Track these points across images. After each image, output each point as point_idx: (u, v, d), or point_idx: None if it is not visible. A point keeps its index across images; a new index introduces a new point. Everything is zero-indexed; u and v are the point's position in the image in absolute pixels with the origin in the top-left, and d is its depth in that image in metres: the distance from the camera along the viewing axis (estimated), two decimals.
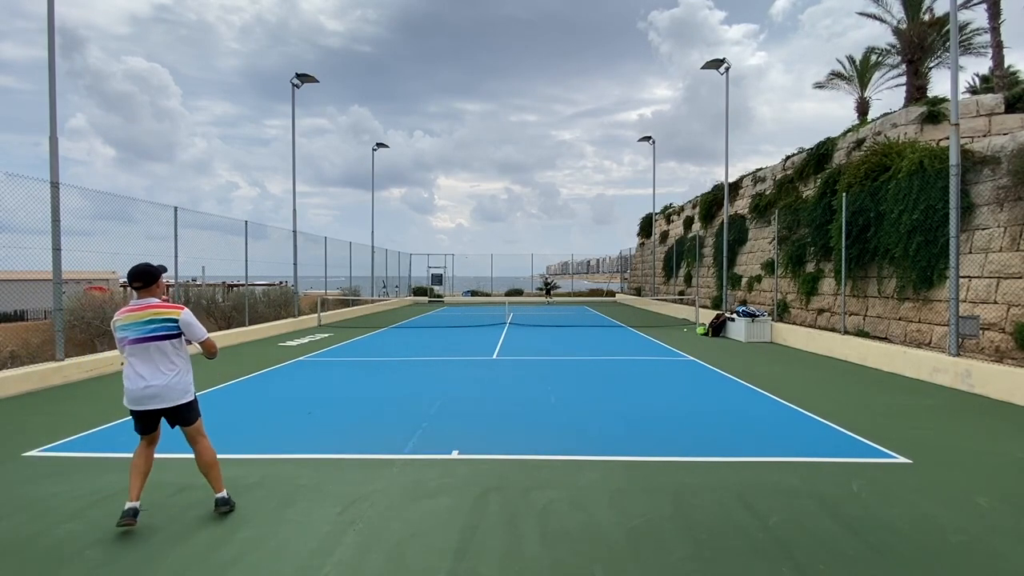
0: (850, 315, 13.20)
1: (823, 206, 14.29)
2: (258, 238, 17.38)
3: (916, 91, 17.79)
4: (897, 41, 18.88)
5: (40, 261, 9.25)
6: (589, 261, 58.72)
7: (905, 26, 18.27)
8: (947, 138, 10.13)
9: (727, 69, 18.32)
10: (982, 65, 24.03)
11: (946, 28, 15.47)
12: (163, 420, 4.06)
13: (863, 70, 21.00)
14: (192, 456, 5.43)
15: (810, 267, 15.48)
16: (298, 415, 7.06)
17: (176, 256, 12.87)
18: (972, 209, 10.06)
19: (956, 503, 4.23)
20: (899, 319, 11.76)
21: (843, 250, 12.47)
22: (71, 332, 11.62)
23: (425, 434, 6.13)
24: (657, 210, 33.27)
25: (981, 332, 9.51)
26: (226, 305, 18.18)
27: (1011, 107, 12.51)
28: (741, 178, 21.63)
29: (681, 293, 25.92)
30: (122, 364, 4.02)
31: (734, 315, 15.57)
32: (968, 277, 9.92)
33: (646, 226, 36.15)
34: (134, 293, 4.11)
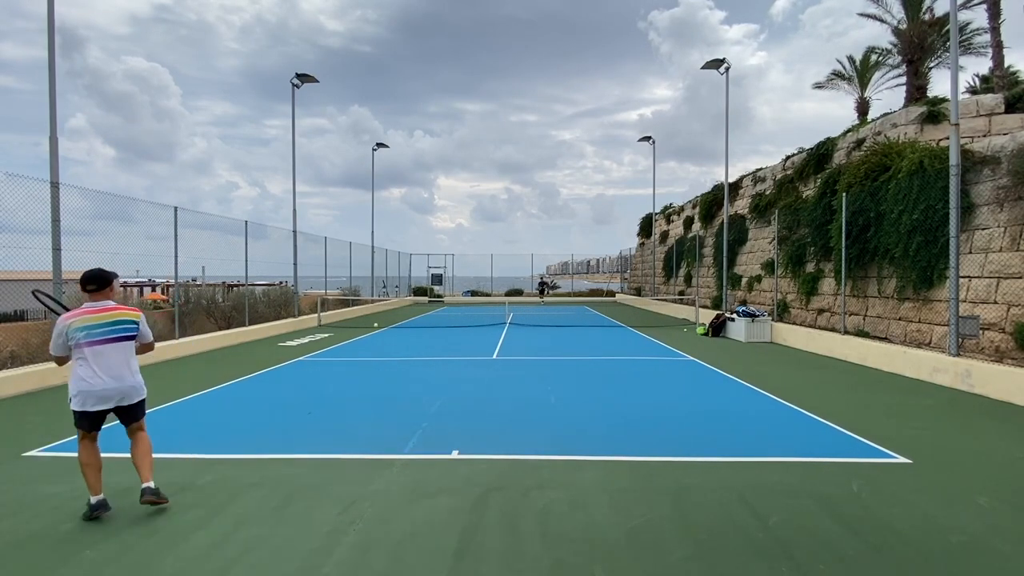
0: (850, 315, 13.20)
1: (823, 206, 14.29)
2: (258, 238, 17.39)
3: (916, 91, 17.79)
4: (897, 41, 18.88)
5: (40, 261, 9.25)
6: (589, 261, 58.76)
7: (905, 26, 18.27)
8: (947, 138, 10.13)
9: (727, 69, 18.33)
10: (982, 65, 24.01)
11: (946, 28, 15.46)
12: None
13: (863, 70, 21.00)
14: (191, 456, 5.45)
15: (810, 267, 15.49)
16: (298, 415, 7.06)
17: (176, 256, 12.86)
18: (972, 209, 10.06)
19: (956, 503, 4.23)
20: (899, 319, 11.76)
21: (843, 250, 12.47)
22: None
23: (425, 434, 6.13)
24: (657, 210, 33.28)
25: (981, 332, 9.51)
26: (226, 305, 18.19)
27: (1011, 107, 12.51)
28: (741, 178, 21.63)
29: (681, 293, 25.92)
30: (60, 364, 4.13)
31: (734, 315, 15.57)
32: (968, 277, 9.92)
33: (646, 226, 36.15)
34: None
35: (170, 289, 22.89)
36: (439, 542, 3.63)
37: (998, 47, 17.34)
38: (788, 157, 18.02)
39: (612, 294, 40.01)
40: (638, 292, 35.01)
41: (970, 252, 10.04)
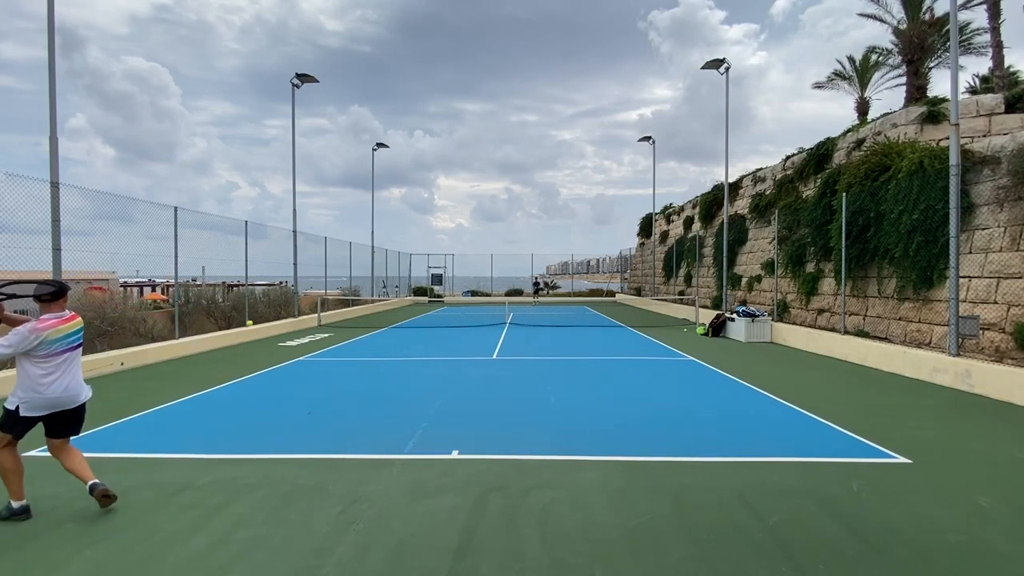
0: (850, 315, 13.20)
1: (823, 206, 14.29)
2: (258, 238, 17.38)
3: (916, 91, 17.79)
4: (897, 41, 18.88)
5: (40, 261, 9.24)
6: (589, 261, 58.75)
7: (905, 26, 18.27)
8: (947, 138, 10.13)
9: (727, 69, 18.33)
10: (982, 65, 24.01)
11: (946, 28, 15.47)
12: None
13: (863, 70, 21.01)
14: (192, 456, 5.45)
15: (810, 267, 15.49)
16: (298, 415, 7.06)
17: (176, 256, 12.86)
18: (972, 209, 10.06)
19: (956, 503, 4.23)
20: (899, 319, 11.76)
21: (843, 250, 12.47)
22: None
23: (425, 434, 6.13)
24: (657, 210, 33.28)
25: (981, 332, 9.51)
26: (226, 305, 18.19)
27: (1011, 107, 12.51)
28: (741, 178, 21.63)
29: (681, 293, 25.92)
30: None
31: (734, 315, 15.57)
32: (968, 277, 9.92)
33: (646, 226, 36.16)
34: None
35: (170, 289, 22.90)
36: (439, 542, 3.63)
37: (998, 47, 17.34)
38: (788, 157, 18.02)
39: (612, 294, 40.02)
40: (638, 292, 35.01)
41: (970, 252, 10.04)
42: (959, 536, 3.68)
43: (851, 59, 21.33)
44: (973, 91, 22.11)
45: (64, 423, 4.15)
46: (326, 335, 16.66)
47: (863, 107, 21.21)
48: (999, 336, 9.21)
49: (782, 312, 16.27)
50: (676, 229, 29.45)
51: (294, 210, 20.20)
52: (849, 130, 15.28)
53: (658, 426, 6.48)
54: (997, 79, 17.36)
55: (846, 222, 12.34)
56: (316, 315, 20.07)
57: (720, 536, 3.68)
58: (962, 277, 9.76)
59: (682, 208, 29.13)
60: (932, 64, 18.31)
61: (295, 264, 19.63)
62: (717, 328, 16.12)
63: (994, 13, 17.22)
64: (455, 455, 5.39)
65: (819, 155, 15.95)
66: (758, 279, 18.91)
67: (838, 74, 21.60)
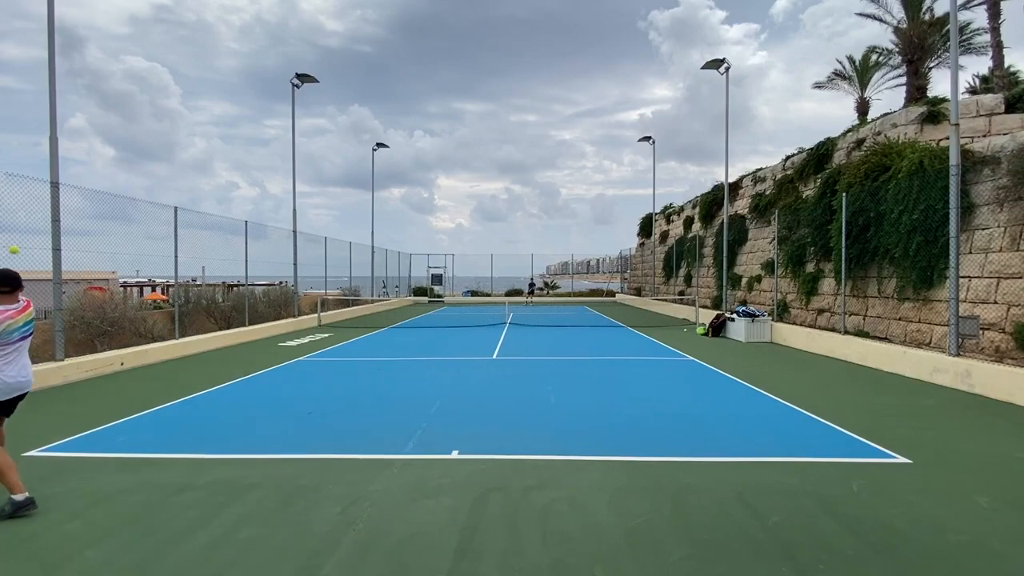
0: (850, 315, 13.20)
1: (823, 206, 14.29)
2: (258, 238, 17.38)
3: (916, 91, 17.80)
4: (898, 41, 18.88)
5: (40, 261, 9.24)
6: (589, 261, 58.66)
7: (905, 26, 18.28)
8: (947, 138, 10.13)
9: (727, 69, 18.33)
10: (982, 65, 24.06)
11: (946, 28, 15.47)
12: None
13: (863, 70, 21.01)
14: (192, 456, 5.45)
15: (810, 267, 15.49)
16: (298, 415, 7.06)
17: (176, 256, 12.85)
18: (972, 209, 10.06)
19: (956, 503, 4.23)
20: (899, 319, 11.76)
21: (843, 250, 12.47)
22: (71, 332, 11.62)
23: (425, 434, 6.13)
24: (657, 210, 33.28)
25: (981, 332, 9.51)
26: (226, 305, 18.19)
27: (1011, 107, 12.51)
28: (741, 178, 21.63)
29: (681, 293, 25.92)
30: None
31: (734, 315, 15.57)
32: (968, 277, 9.92)
33: (646, 226, 36.15)
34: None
35: (170, 289, 22.91)
36: (439, 542, 3.63)
37: (998, 47, 17.35)
38: (788, 157, 18.02)
39: (612, 294, 40.02)
40: (638, 292, 35.01)
41: (970, 252, 10.04)
42: (959, 536, 3.68)
43: (851, 59, 21.35)
44: (973, 91, 22.11)
45: (10, 408, 4.35)
46: (326, 335, 16.66)
47: (863, 107, 21.22)
48: (999, 336, 9.21)
49: (782, 312, 16.27)
50: (676, 229, 29.45)
51: (294, 210, 20.22)
52: (849, 130, 15.27)
53: (658, 426, 6.48)
54: (997, 79, 17.36)
55: (846, 222, 12.34)
56: (316, 315, 20.07)
57: (720, 536, 3.68)
58: (962, 277, 9.76)
59: (682, 208, 29.13)
60: (932, 64, 18.32)
61: (295, 264, 19.63)
62: (717, 328, 16.12)
63: (994, 13, 17.23)
64: (455, 455, 5.39)
65: (819, 155, 15.95)
66: (758, 279, 18.91)
67: (838, 74, 21.62)
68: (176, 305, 14.33)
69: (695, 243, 24.82)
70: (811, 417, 6.87)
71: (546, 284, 43.86)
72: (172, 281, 15.15)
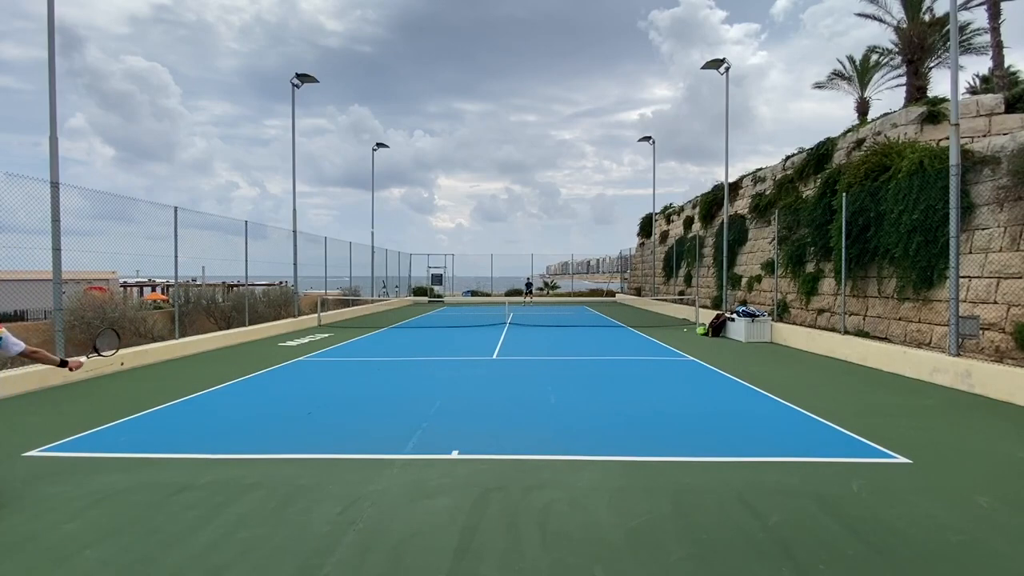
0: (850, 315, 13.20)
1: (823, 206, 14.29)
2: (258, 238, 17.38)
3: (916, 91, 17.79)
4: (898, 41, 18.88)
5: (40, 261, 9.25)
6: (589, 261, 58.68)
7: (905, 26, 18.27)
8: (947, 138, 10.13)
9: (727, 69, 18.33)
10: (982, 65, 24.09)
11: (946, 28, 15.47)
12: None
13: (863, 70, 21.01)
14: (192, 456, 5.45)
15: (810, 267, 15.48)
16: (298, 415, 7.06)
17: (176, 256, 12.86)
18: (972, 209, 10.06)
19: (956, 503, 4.23)
20: (899, 319, 11.76)
21: (843, 250, 12.47)
22: (71, 332, 11.63)
23: (425, 434, 6.13)
24: (657, 210, 33.28)
25: (981, 332, 9.51)
26: (226, 305, 18.19)
27: (1011, 107, 12.51)
28: (741, 178, 21.63)
29: (681, 293, 25.92)
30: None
31: (734, 315, 15.56)
32: (968, 277, 9.92)
33: (646, 226, 36.15)
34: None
35: (170, 289, 22.92)
36: (439, 542, 3.63)
37: (998, 47, 17.35)
38: (788, 157, 18.01)
39: (612, 294, 40.02)
40: (638, 292, 35.01)
41: (970, 252, 10.03)
42: (959, 536, 3.68)
43: (851, 59, 21.34)
44: (973, 91, 22.11)
45: None
46: (326, 335, 16.66)
47: (863, 107, 21.21)
48: (999, 336, 9.21)
49: (782, 312, 16.27)
50: (676, 229, 29.44)
51: (294, 210, 20.22)
52: (849, 130, 15.27)
53: (658, 426, 6.48)
54: (997, 79, 17.36)
55: (846, 222, 12.34)
56: (316, 315, 20.07)
57: (720, 536, 3.68)
58: (962, 277, 9.76)
59: (682, 208, 29.13)
60: (932, 64, 18.31)
61: (295, 264, 19.63)
62: (717, 328, 16.12)
63: (994, 13, 17.23)
64: (455, 455, 5.39)
65: (819, 155, 15.95)
66: (758, 279, 18.90)
67: (838, 74, 21.61)
68: (176, 305, 14.33)
69: (695, 243, 24.81)
70: (811, 417, 6.87)
71: (546, 284, 43.86)
72: (172, 281, 15.15)
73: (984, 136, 11.92)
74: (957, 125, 9.17)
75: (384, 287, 32.47)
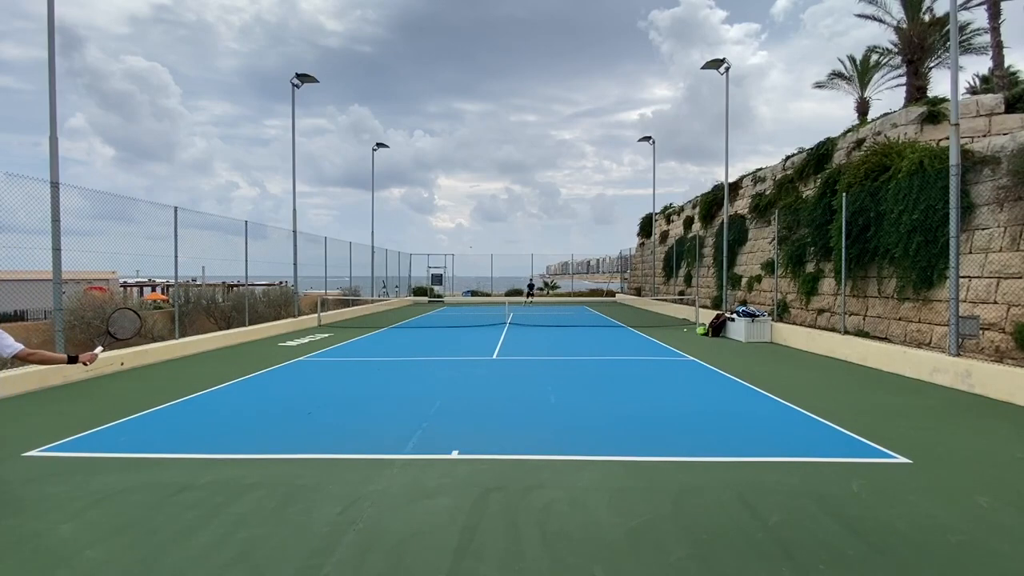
0: (850, 315, 13.20)
1: (823, 206, 14.29)
2: (258, 238, 17.38)
3: (916, 91, 17.79)
4: (898, 41, 18.88)
5: (40, 261, 9.25)
6: (589, 261, 58.68)
7: (905, 26, 18.27)
8: (947, 138, 10.13)
9: (727, 69, 18.33)
10: (982, 65, 24.09)
11: (946, 28, 15.47)
12: None
13: (863, 70, 21.01)
14: (192, 456, 5.45)
15: (810, 267, 15.48)
16: (298, 415, 7.06)
17: (176, 256, 12.86)
18: (972, 209, 10.06)
19: (956, 503, 4.23)
20: (899, 319, 11.76)
21: (843, 250, 12.47)
22: (71, 332, 11.63)
23: (425, 434, 6.13)
24: (657, 210, 33.28)
25: (981, 332, 9.51)
26: (226, 305, 18.20)
27: (1011, 107, 12.51)
28: (741, 178, 21.63)
29: (681, 293, 25.92)
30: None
31: (734, 315, 15.56)
32: (968, 277, 9.92)
33: (646, 226, 36.15)
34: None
35: (170, 289, 22.92)
36: (439, 542, 3.63)
37: (998, 47, 17.34)
38: (788, 157, 18.02)
39: (612, 294, 40.02)
40: (638, 292, 35.01)
41: (970, 252, 10.03)
42: (959, 536, 3.68)
43: (851, 59, 21.34)
44: (973, 91, 22.11)
45: None
46: (326, 335, 16.66)
47: (863, 107, 21.21)
48: (999, 336, 9.21)
49: (782, 312, 16.27)
50: (676, 229, 29.44)
51: (294, 210, 20.22)
52: (849, 130, 15.28)
53: (658, 426, 6.48)
54: (997, 79, 17.36)
55: (846, 222, 12.34)
56: (316, 315, 20.07)
57: (720, 536, 3.68)
58: (962, 277, 9.76)
59: (682, 208, 29.13)
60: (932, 64, 18.31)
61: (295, 264, 19.63)
62: (717, 328, 16.12)
63: (994, 13, 17.23)
64: (455, 455, 5.39)
65: (819, 155, 15.95)
66: (758, 279, 18.90)
67: (838, 74, 21.61)
68: (176, 305, 14.33)
69: (695, 243, 24.81)
70: (811, 417, 6.87)
71: (546, 284, 43.84)
72: (172, 281, 15.15)
73: (984, 136, 11.92)
74: (957, 125, 9.17)
75: (384, 287, 32.47)
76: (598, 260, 55.66)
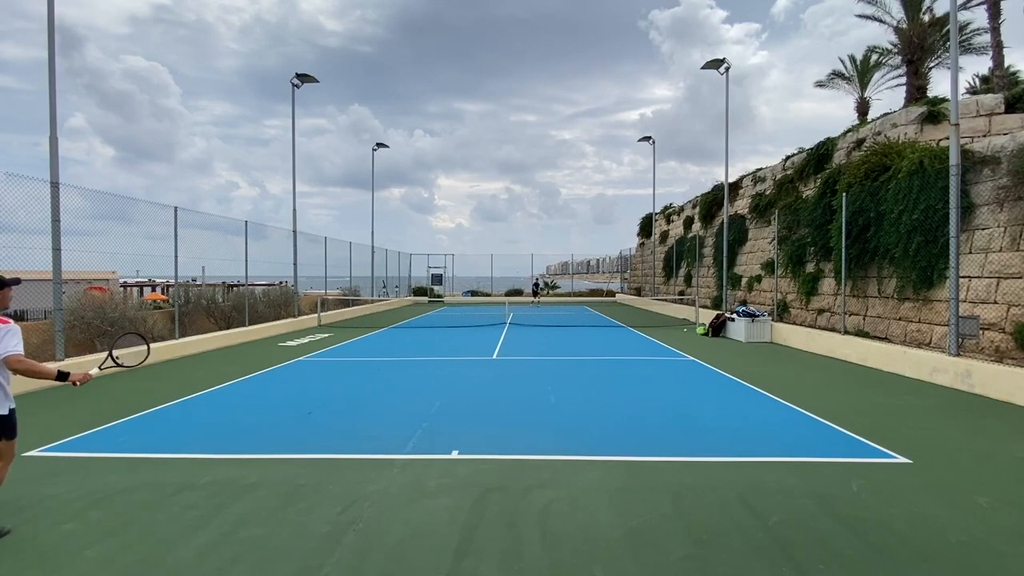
0: (850, 315, 13.20)
1: (823, 206, 14.29)
2: (258, 238, 17.38)
3: (916, 91, 17.79)
4: (898, 41, 18.88)
5: (40, 261, 9.25)
6: (589, 261, 58.63)
7: (905, 26, 18.27)
8: (947, 138, 10.13)
9: (727, 69, 18.34)
10: (982, 65, 24.09)
11: (946, 28, 15.47)
12: None
13: (863, 70, 21.00)
14: (192, 456, 5.45)
15: (810, 267, 15.48)
16: (298, 415, 7.06)
17: (176, 256, 12.86)
18: (972, 209, 10.06)
19: (956, 503, 4.23)
20: (899, 319, 11.76)
21: (843, 250, 12.47)
22: (71, 332, 11.63)
23: (425, 434, 6.13)
24: (657, 210, 33.27)
25: (981, 332, 9.51)
26: (226, 305, 18.19)
27: (1011, 107, 12.50)
28: (741, 178, 21.63)
29: (681, 293, 25.92)
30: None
31: (734, 315, 15.56)
32: (968, 277, 9.92)
33: (646, 226, 36.15)
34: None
35: (170, 289, 22.92)
36: (439, 542, 3.63)
37: (998, 47, 17.34)
38: (788, 157, 18.01)
39: (612, 294, 40.01)
40: (638, 292, 35.00)
41: (970, 252, 10.03)
42: (959, 536, 3.68)
43: (852, 59, 21.32)
44: (973, 91, 22.10)
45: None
46: (326, 335, 16.66)
47: (863, 107, 21.20)
48: (999, 336, 9.21)
49: (782, 312, 16.27)
50: (676, 229, 29.44)
51: (294, 210, 20.22)
52: (849, 130, 15.27)
53: (658, 426, 6.48)
54: (997, 79, 17.35)
55: (846, 222, 12.34)
56: (316, 315, 20.07)
57: (720, 536, 3.68)
58: (962, 277, 9.76)
59: (682, 208, 29.13)
60: (932, 64, 18.31)
61: (295, 264, 19.63)
62: (717, 328, 16.12)
63: (994, 13, 17.22)
64: (455, 455, 5.39)
65: (819, 155, 15.95)
66: (758, 279, 18.90)
67: (838, 74, 21.60)
68: (176, 305, 14.33)
69: (695, 243, 24.81)
70: (811, 417, 6.87)
71: (546, 284, 43.86)
72: (172, 281, 15.15)
73: (984, 136, 11.92)
74: (957, 125, 9.17)
75: (384, 287, 32.47)
76: (598, 260, 55.63)
